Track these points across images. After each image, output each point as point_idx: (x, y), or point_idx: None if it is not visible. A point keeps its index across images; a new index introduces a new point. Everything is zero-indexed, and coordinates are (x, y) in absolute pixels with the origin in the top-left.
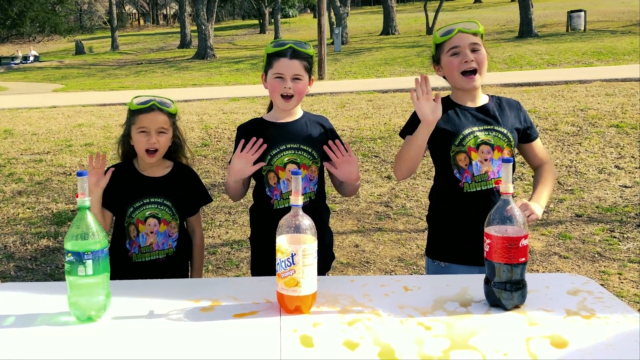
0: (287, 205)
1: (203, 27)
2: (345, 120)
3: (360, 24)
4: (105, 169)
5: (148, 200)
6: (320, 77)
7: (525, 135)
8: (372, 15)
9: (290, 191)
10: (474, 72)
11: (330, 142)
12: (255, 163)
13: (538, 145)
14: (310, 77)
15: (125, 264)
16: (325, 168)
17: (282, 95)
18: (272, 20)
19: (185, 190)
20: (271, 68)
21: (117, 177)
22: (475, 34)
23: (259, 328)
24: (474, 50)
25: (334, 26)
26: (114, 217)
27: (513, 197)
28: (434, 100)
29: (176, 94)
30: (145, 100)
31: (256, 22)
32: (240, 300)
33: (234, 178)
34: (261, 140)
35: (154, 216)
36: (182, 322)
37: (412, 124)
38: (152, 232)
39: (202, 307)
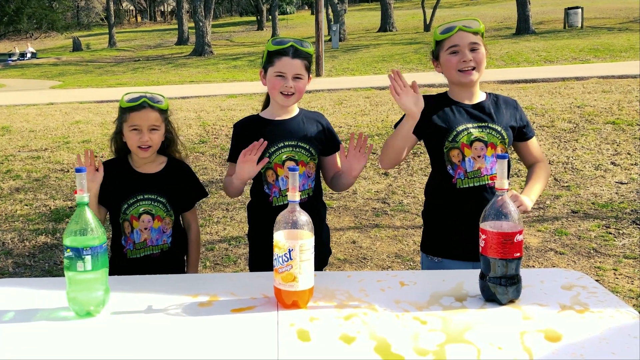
0: (286, 202)
1: (200, 24)
2: (342, 117)
3: (357, 21)
4: (97, 164)
5: (142, 197)
6: (318, 74)
7: (521, 133)
8: (369, 12)
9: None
10: (472, 68)
11: (360, 133)
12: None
13: (533, 144)
14: (309, 75)
15: (121, 260)
16: (319, 161)
17: (282, 93)
18: (270, 17)
19: (180, 186)
20: (272, 66)
21: (111, 174)
22: (475, 33)
23: (256, 323)
24: (473, 50)
25: (332, 23)
26: (110, 214)
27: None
28: (413, 91)
29: (173, 91)
30: (136, 97)
31: (254, 19)
32: (238, 296)
33: (242, 180)
34: (261, 140)
35: (148, 212)
36: (180, 317)
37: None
38: (146, 229)
39: (200, 302)
